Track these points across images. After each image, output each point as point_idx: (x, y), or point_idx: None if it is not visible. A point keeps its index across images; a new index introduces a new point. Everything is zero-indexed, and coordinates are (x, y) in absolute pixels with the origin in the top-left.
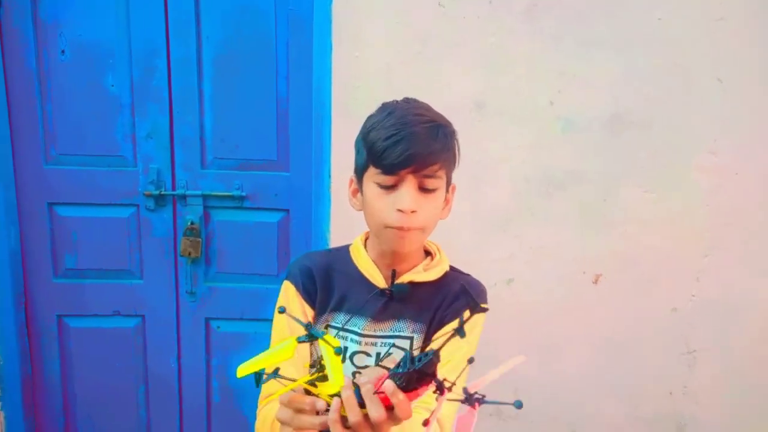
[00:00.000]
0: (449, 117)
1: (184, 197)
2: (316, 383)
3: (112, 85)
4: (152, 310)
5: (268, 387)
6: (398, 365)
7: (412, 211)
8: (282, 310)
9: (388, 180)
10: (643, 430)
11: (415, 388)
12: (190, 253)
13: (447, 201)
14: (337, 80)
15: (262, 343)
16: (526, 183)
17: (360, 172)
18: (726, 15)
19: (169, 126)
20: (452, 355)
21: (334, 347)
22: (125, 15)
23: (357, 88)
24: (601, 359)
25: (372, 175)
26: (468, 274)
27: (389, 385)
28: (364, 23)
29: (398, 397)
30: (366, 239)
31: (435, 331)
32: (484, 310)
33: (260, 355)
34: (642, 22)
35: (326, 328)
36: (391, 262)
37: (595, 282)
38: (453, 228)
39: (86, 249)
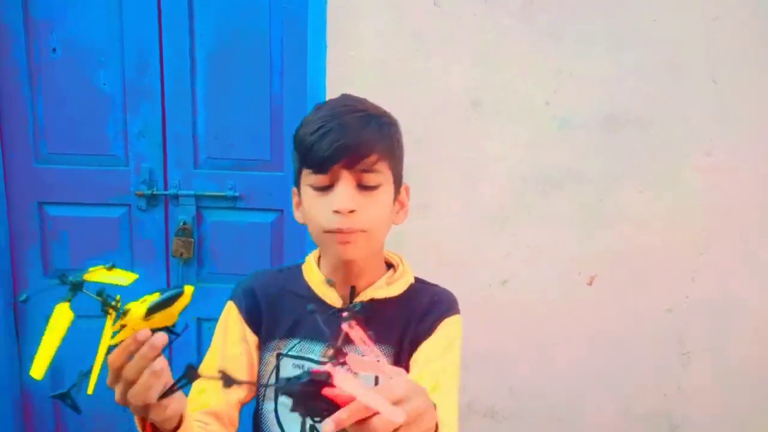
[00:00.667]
0: (445, 115)
1: (176, 197)
2: (123, 322)
3: (104, 84)
4: None
5: (197, 397)
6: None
7: (350, 211)
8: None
9: (321, 180)
10: (636, 430)
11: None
12: (182, 254)
13: (401, 204)
14: (331, 79)
15: None
16: (522, 182)
17: (297, 177)
18: (722, 14)
19: (161, 125)
20: (429, 385)
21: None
22: (117, 12)
23: (352, 86)
24: (596, 359)
25: (306, 177)
26: (435, 285)
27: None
28: (359, 21)
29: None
30: (319, 256)
31: (410, 353)
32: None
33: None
34: (638, 21)
35: (277, 357)
36: (347, 278)
37: (590, 283)
38: (448, 227)
39: (77, 249)
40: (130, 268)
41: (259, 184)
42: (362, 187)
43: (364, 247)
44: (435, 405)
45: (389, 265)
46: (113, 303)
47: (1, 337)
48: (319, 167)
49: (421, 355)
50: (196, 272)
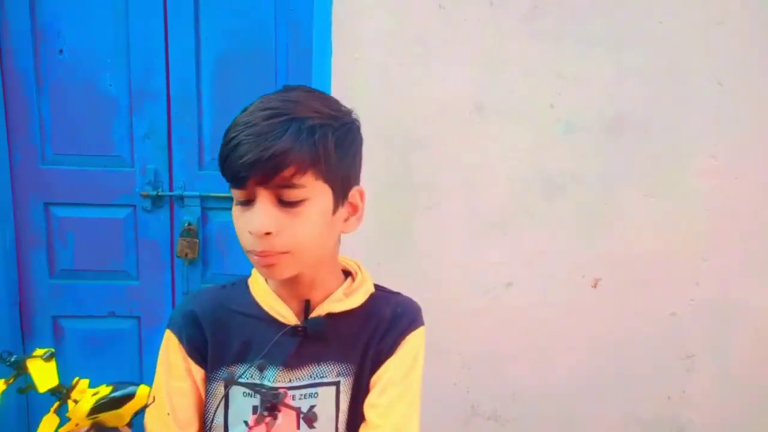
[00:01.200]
0: (448, 118)
1: (181, 198)
2: (70, 413)
3: (110, 85)
4: (148, 312)
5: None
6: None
7: (267, 233)
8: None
9: (240, 194)
10: None
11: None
12: (187, 254)
13: (354, 209)
14: (336, 82)
15: None
16: (525, 185)
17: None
18: (726, 18)
19: (167, 126)
20: (392, 407)
21: (38, 356)
22: (124, 15)
23: (356, 90)
24: (600, 363)
25: (230, 187)
26: (398, 293)
27: None
28: (364, 25)
29: None
30: None
31: (372, 371)
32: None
33: None
34: (642, 24)
35: (225, 387)
36: (299, 291)
37: (594, 286)
38: (450, 231)
39: (82, 249)
40: (136, 269)
41: None
42: (284, 203)
43: (292, 267)
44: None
45: (347, 273)
46: (63, 390)
47: (7, 337)
48: (233, 183)
49: (385, 375)
50: (201, 273)
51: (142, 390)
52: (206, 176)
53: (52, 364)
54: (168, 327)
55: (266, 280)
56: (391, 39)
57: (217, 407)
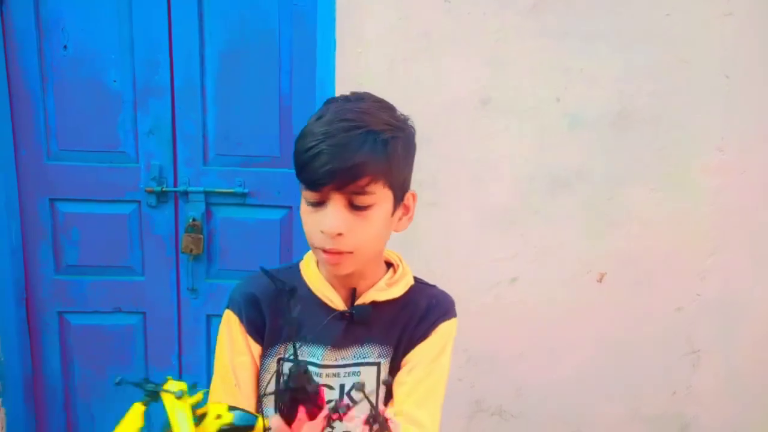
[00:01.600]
0: (454, 114)
1: (185, 194)
2: None
3: (114, 81)
4: (153, 307)
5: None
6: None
7: (338, 234)
8: (179, 395)
9: (313, 196)
10: (646, 430)
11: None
12: (191, 250)
13: (406, 209)
14: (340, 77)
15: None
16: (530, 181)
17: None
18: (734, 10)
19: (171, 122)
20: (417, 387)
21: (175, 392)
22: (128, 11)
23: (360, 85)
24: (605, 359)
25: (302, 189)
26: (434, 286)
27: None
28: (368, 19)
29: None
30: None
31: (405, 353)
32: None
33: None
34: (648, 18)
35: (279, 362)
36: (348, 280)
37: (600, 281)
38: (456, 227)
39: (87, 245)
40: (141, 264)
41: (268, 181)
42: (354, 207)
43: (353, 265)
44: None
45: (389, 264)
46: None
47: (14, 332)
48: (310, 187)
49: (414, 357)
50: (206, 269)
51: (259, 423)
52: (210, 172)
53: (185, 404)
54: (228, 307)
55: (318, 268)
56: (395, 34)
57: (269, 382)
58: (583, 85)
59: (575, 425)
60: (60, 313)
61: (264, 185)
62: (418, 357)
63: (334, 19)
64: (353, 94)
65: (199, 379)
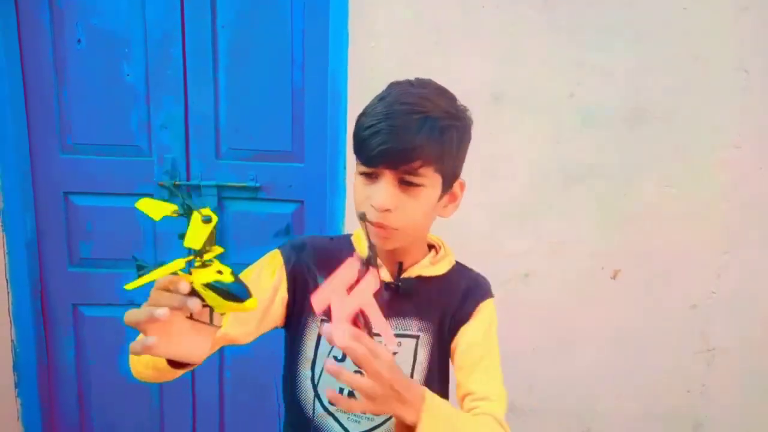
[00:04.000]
0: None
1: (198, 187)
2: (192, 270)
3: (128, 75)
4: None
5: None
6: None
7: (386, 210)
8: (207, 219)
9: (368, 171)
10: (659, 428)
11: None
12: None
13: (453, 197)
14: (353, 70)
15: (275, 333)
16: (543, 176)
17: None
18: (750, 5)
19: (184, 116)
20: (475, 368)
21: (202, 215)
22: (140, 4)
23: (373, 79)
24: (618, 355)
25: (358, 163)
26: (471, 269)
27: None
28: (381, 13)
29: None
30: None
31: (450, 332)
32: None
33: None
34: (664, 11)
35: (322, 321)
36: (394, 255)
37: (614, 277)
38: (469, 221)
39: (101, 238)
40: (153, 258)
41: (281, 175)
42: (404, 183)
43: (399, 241)
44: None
45: (430, 247)
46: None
47: (29, 325)
48: (365, 162)
49: (463, 340)
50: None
51: (251, 303)
52: (223, 166)
53: (207, 228)
54: (278, 248)
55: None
56: (408, 28)
57: (309, 342)
58: (598, 79)
59: (587, 422)
60: (74, 306)
61: (276, 179)
62: (467, 339)
63: (347, 13)
64: (417, 79)
65: (210, 370)
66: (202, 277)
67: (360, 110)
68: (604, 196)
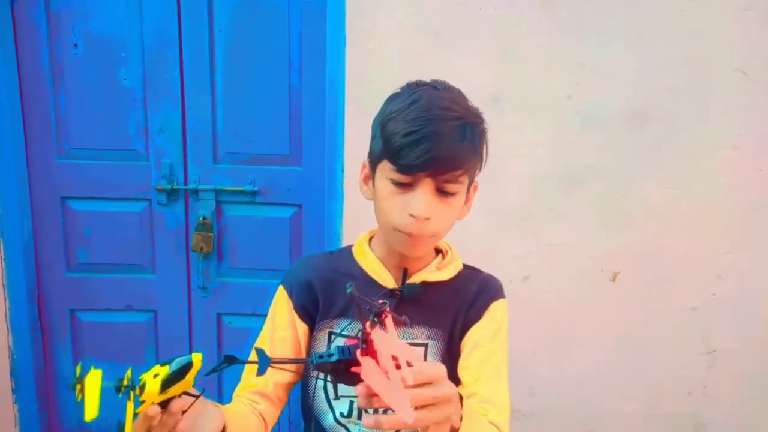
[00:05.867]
0: None
1: (196, 192)
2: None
3: (125, 79)
4: (164, 305)
5: (247, 377)
6: (330, 354)
7: (426, 218)
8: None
9: (403, 179)
10: (660, 430)
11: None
12: (202, 248)
13: (467, 200)
14: (350, 74)
15: None
16: (543, 178)
17: (375, 160)
18: (751, 6)
19: (181, 120)
20: (481, 367)
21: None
22: (137, 8)
23: (371, 82)
24: (619, 358)
25: (386, 169)
26: (482, 271)
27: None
28: (379, 15)
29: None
30: (371, 238)
31: (461, 337)
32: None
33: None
34: (664, 12)
35: (329, 335)
36: (401, 261)
37: (613, 280)
38: (468, 224)
39: (99, 243)
40: (151, 262)
41: (278, 178)
42: (441, 192)
43: (428, 247)
44: (460, 396)
45: (437, 251)
46: (126, 383)
47: (26, 330)
48: (403, 170)
49: (471, 339)
50: (216, 266)
51: (196, 357)
52: (221, 170)
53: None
54: (281, 283)
55: (371, 247)
56: (406, 30)
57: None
58: (598, 81)
59: (588, 425)
60: (71, 311)
61: (274, 183)
62: (475, 338)
63: (344, 16)
64: (435, 81)
65: (211, 375)
66: (153, 390)
67: (358, 113)
68: (603, 197)
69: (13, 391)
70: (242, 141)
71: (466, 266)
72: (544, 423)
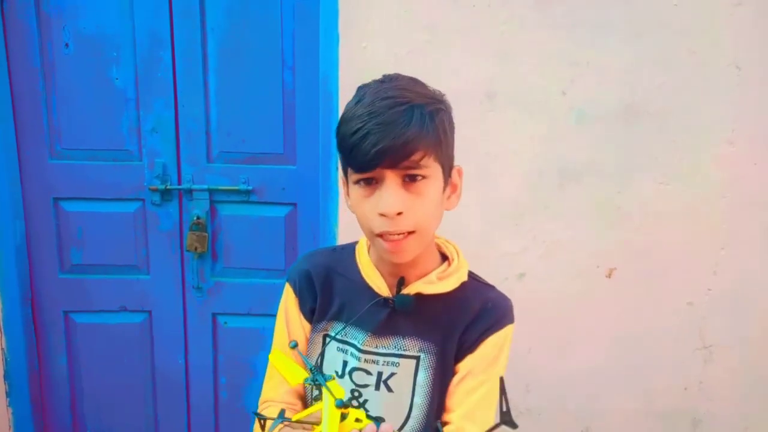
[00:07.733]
0: (459, 108)
1: (190, 191)
2: (313, 427)
3: (117, 79)
4: (159, 306)
5: (267, 391)
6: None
7: (398, 213)
8: (294, 345)
9: (365, 178)
10: (657, 426)
11: None
12: (196, 248)
13: (454, 187)
14: (344, 72)
15: (270, 338)
16: (538, 175)
17: (344, 170)
18: (744, 0)
19: (174, 120)
20: (469, 399)
21: (336, 399)
22: (129, 7)
23: (365, 80)
24: (615, 354)
25: (351, 174)
26: (492, 287)
27: None
28: (372, 13)
29: None
30: None
31: (457, 358)
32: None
33: None
34: (657, 8)
35: (324, 338)
36: (395, 267)
37: (609, 276)
38: (463, 221)
39: (92, 244)
40: (146, 263)
41: (273, 178)
42: (409, 180)
43: (415, 247)
44: None
45: (444, 257)
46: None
47: (19, 332)
48: (362, 169)
49: (464, 367)
50: (211, 266)
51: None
52: (214, 169)
53: (337, 415)
54: (287, 281)
55: (369, 252)
56: (400, 27)
57: (316, 357)
58: (592, 77)
59: (585, 421)
60: (65, 313)
61: (268, 182)
62: (467, 367)
63: (337, 13)
64: (385, 76)
65: (205, 376)
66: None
67: None
68: (599, 193)
69: (7, 394)
70: (236, 140)
71: (474, 278)
72: (541, 420)
